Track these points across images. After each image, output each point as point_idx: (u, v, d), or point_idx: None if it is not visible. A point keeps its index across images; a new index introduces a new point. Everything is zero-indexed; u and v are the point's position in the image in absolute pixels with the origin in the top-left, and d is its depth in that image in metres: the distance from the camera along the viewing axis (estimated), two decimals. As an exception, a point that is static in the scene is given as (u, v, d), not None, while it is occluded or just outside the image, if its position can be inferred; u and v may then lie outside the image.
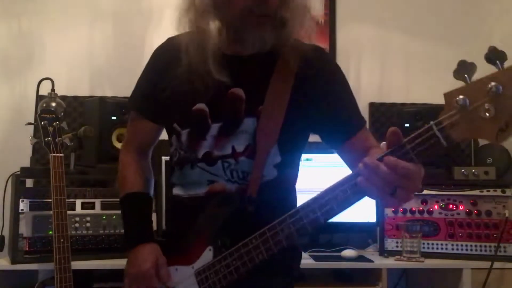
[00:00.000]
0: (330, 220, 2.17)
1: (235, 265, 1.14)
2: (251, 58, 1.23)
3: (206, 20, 1.21)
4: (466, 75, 0.85)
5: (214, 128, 1.24)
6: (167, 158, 1.44)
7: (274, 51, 1.22)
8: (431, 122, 0.87)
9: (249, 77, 1.22)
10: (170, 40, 1.34)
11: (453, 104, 0.84)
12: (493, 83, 0.81)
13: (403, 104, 2.72)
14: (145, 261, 1.26)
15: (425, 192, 2.31)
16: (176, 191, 1.33)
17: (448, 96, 0.85)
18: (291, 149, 1.26)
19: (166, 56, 1.33)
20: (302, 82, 1.22)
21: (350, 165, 1.24)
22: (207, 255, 1.20)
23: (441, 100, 2.46)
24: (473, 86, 0.83)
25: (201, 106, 1.24)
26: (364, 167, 0.92)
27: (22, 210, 2.03)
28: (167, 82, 1.29)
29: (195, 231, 1.24)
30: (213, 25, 1.22)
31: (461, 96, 0.83)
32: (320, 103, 1.22)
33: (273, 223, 1.08)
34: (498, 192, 2.24)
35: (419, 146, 0.88)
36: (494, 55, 0.84)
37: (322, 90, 1.23)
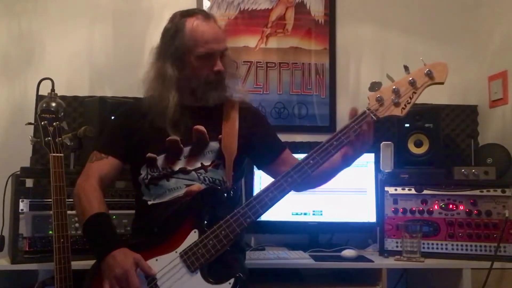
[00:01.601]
0: (330, 220, 2.42)
1: (218, 238, 1.51)
2: (204, 107, 1.72)
3: (169, 89, 1.67)
4: (376, 88, 1.57)
5: (186, 150, 1.69)
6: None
7: (218, 103, 1.73)
8: (365, 108, 1.57)
9: (207, 117, 1.72)
10: (135, 102, 1.83)
11: (374, 100, 1.57)
12: (394, 87, 1.57)
13: (403, 104, 2.72)
14: (125, 261, 1.47)
15: (425, 192, 2.31)
16: (153, 202, 1.68)
17: (371, 96, 1.58)
18: (238, 166, 1.74)
19: (135, 111, 1.75)
20: (243, 119, 1.75)
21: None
22: (193, 237, 1.54)
23: (441, 101, 2.52)
24: (384, 90, 1.58)
25: (174, 137, 1.68)
26: (354, 128, 1.55)
27: (22, 210, 2.03)
28: (139, 127, 1.70)
29: (177, 222, 1.57)
30: (173, 94, 1.67)
31: (378, 95, 1.57)
32: (256, 134, 1.78)
33: (242, 206, 1.53)
34: (498, 192, 2.24)
35: (362, 121, 1.55)
36: (374, 85, 1.57)
37: (256, 126, 1.80)
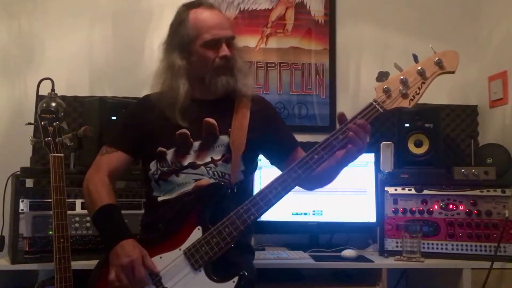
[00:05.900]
0: (330, 220, 2.39)
1: (222, 235, 1.49)
2: (215, 100, 1.71)
3: (178, 79, 1.67)
4: (383, 78, 1.52)
5: (196, 145, 1.67)
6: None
7: (230, 96, 1.71)
8: (372, 100, 1.52)
9: (218, 111, 1.70)
10: (146, 97, 1.78)
11: (381, 91, 1.51)
12: (402, 76, 1.50)
13: (403, 104, 2.72)
14: (133, 251, 1.49)
15: (425, 192, 2.31)
16: (162, 198, 1.67)
17: (378, 87, 1.52)
18: (250, 161, 1.72)
19: (145, 106, 1.73)
20: (255, 114, 1.72)
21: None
22: (196, 234, 1.52)
23: (441, 101, 2.52)
24: (391, 80, 1.52)
25: (183, 130, 1.66)
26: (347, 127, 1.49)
27: (22, 210, 2.03)
28: (149, 121, 1.69)
29: (181, 219, 1.55)
30: (183, 82, 1.67)
31: (385, 86, 1.51)
32: (267, 130, 1.74)
33: (245, 202, 1.50)
34: (498, 192, 2.24)
35: (368, 114, 1.50)
36: (382, 75, 1.52)
37: (268, 122, 1.76)
